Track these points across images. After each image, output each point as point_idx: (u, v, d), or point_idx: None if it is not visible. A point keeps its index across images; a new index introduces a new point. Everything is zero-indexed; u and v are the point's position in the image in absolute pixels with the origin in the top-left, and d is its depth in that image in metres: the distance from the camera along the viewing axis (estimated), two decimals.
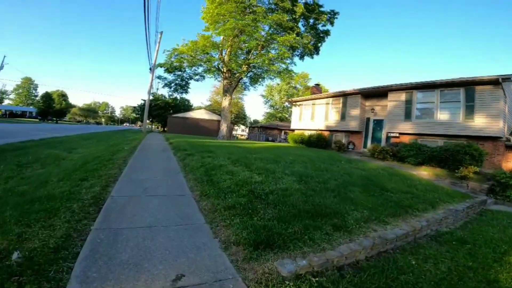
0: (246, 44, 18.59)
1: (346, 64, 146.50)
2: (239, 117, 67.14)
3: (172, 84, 20.97)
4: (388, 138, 16.05)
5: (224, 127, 19.26)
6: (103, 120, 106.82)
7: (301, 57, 22.71)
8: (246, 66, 19.14)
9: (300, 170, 6.50)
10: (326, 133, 19.36)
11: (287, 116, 72.31)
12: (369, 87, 16.95)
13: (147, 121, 53.69)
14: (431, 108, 13.97)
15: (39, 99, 55.41)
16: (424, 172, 10.47)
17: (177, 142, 12.83)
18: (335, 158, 10.59)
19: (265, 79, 22.27)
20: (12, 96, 78.93)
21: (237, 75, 20.20)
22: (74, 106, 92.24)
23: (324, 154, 12.36)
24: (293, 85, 70.31)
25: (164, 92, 51.50)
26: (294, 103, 23.42)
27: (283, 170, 6.23)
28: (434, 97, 13.90)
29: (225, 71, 19.63)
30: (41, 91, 64.43)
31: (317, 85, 25.46)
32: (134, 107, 48.02)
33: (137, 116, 45.41)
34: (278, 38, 17.65)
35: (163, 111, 39.32)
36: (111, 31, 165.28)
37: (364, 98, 17.60)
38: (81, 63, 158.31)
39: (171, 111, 39.74)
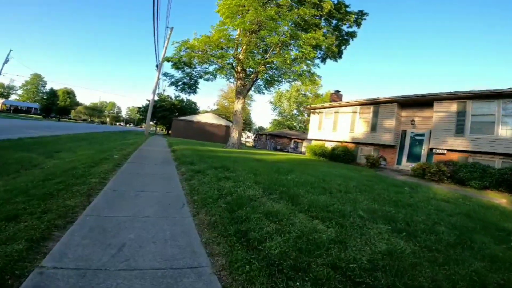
0: (266, 41, 16.45)
1: (362, 71, 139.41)
2: (245, 123, 65.05)
3: (179, 83, 18.84)
4: (429, 154, 13.61)
5: (235, 134, 16.98)
6: (108, 120, 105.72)
7: (323, 60, 20.52)
8: (262, 66, 16.98)
9: (376, 208, 4.13)
10: (350, 146, 16.95)
11: (295, 124, 70.19)
12: (408, 95, 14.59)
13: (151, 123, 52.07)
14: (490, 121, 11.55)
15: (43, 95, 53.98)
16: (503, 200, 8.03)
17: (182, 151, 10.57)
18: (386, 181, 8.18)
19: (282, 82, 20.06)
20: (20, 92, 78.46)
21: (252, 75, 18.03)
22: (80, 104, 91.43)
23: (365, 173, 9.96)
24: (303, 92, 68.41)
25: (171, 93, 49.78)
26: (312, 111, 21.11)
27: (354, 210, 3.85)
28: (494, 109, 11.50)
29: (239, 70, 17.47)
30: (49, 88, 63.49)
31: (337, 91, 23.16)
32: (139, 107, 46.24)
33: (142, 117, 43.48)
34: (303, 35, 15.48)
35: (168, 113, 37.36)
36: (122, 30, 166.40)
37: (401, 108, 15.21)
38: (91, 62, 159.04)
39: (177, 113, 37.77)
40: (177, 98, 41.09)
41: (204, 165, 6.91)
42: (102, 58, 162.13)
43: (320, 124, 19.90)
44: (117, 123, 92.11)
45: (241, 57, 16.68)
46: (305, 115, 72.03)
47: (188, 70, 17.86)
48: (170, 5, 38.96)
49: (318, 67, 18.69)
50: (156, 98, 40.65)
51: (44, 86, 76.58)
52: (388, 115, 15.13)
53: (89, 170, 5.43)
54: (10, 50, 41.39)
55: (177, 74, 18.24)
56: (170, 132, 40.21)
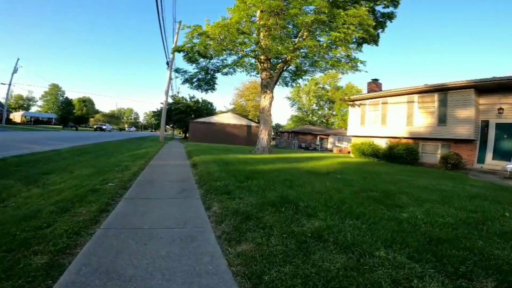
0: (295, 22, 13.45)
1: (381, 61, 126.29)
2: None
3: (194, 80, 16.28)
4: None
5: (264, 136, 14.16)
6: (126, 126, 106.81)
7: (359, 45, 17.22)
8: (291, 53, 14.07)
9: None
10: (406, 142, 13.67)
11: (315, 119, 66.36)
12: (490, 78, 11.13)
13: (167, 126, 50.40)
14: None
15: (59, 105, 53.74)
16: None
17: (206, 164, 7.91)
18: None
19: (314, 72, 16.94)
20: (40, 103, 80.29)
21: (278, 65, 15.09)
22: (98, 112, 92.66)
23: (471, 184, 6.78)
24: (321, 85, 64.47)
25: (185, 94, 47.95)
26: (351, 103, 17.90)
27: None
28: None
29: (263, 60, 14.62)
30: (65, 97, 63.81)
31: (376, 80, 19.68)
32: (153, 111, 44.61)
33: (157, 121, 41.85)
34: (341, 13, 12.38)
35: (184, 116, 35.22)
36: (134, 33, 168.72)
37: (478, 94, 11.76)
38: (108, 70, 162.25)
39: (193, 115, 35.57)
40: (192, 99, 38.90)
41: (249, 197, 4.17)
42: (118, 63, 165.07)
43: (363, 118, 16.67)
44: (126, 129, 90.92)
45: (264, 43, 13.78)
46: (325, 109, 68.22)
47: (203, 63, 15.29)
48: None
49: (360, 51, 15.39)
50: (170, 100, 38.73)
51: (62, 96, 77.54)
52: (462, 104, 11.72)
53: (55, 220, 2.84)
54: (18, 59, 40.90)
55: (191, 68, 15.83)
56: (187, 135, 38.23)
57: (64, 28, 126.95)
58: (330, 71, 18.07)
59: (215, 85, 16.84)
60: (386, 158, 13.11)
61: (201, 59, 14.49)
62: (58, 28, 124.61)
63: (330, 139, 44.91)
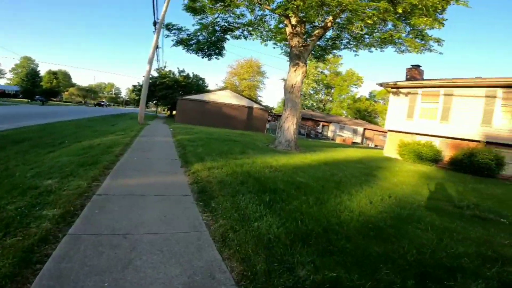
0: None
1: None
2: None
3: (192, 41, 11.55)
4: None
5: (290, 125, 9.96)
6: (104, 101, 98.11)
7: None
8: (331, 17, 9.78)
9: None
10: (475, 146, 10.14)
11: (313, 103, 62.34)
12: None
13: (150, 103, 44.21)
14: None
15: (23, 77, 46.45)
16: None
17: (214, 173, 3.82)
18: None
19: (358, 46, 12.45)
20: (10, 75, 72.12)
21: (317, 31, 10.60)
22: (73, 85, 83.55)
23: None
24: (321, 69, 59.96)
25: (174, 67, 42.07)
26: (394, 90, 13.95)
27: None
28: None
29: (295, 22, 10.17)
30: (43, 70, 56.44)
31: (418, 66, 15.67)
32: (134, 85, 38.63)
33: (138, 97, 36.25)
34: None
35: (171, 92, 30.02)
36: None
37: None
38: (89, 42, 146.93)
39: (181, 92, 30.45)
40: (182, 74, 33.47)
41: None
42: (99, 36, 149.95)
43: (412, 110, 12.88)
44: (95, 104, 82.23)
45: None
46: (321, 94, 64.00)
47: (209, 18, 10.56)
48: None
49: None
50: (155, 74, 33.16)
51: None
52: None
53: None
54: None
55: (190, 25, 10.98)
56: (174, 113, 33.22)
57: None
58: (359, 50, 13.34)
59: (224, 50, 12.17)
60: (455, 166, 9.57)
61: (212, 6, 9.51)
62: None
63: (331, 127, 41.56)
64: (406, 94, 13.16)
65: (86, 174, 4.15)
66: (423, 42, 10.21)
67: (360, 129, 39.58)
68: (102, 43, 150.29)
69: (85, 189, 3.54)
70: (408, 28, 10.26)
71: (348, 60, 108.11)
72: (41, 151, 7.34)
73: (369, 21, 8.20)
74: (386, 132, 43.02)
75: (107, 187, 3.72)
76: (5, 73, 73.42)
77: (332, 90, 62.60)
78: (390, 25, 10.50)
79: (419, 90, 12.78)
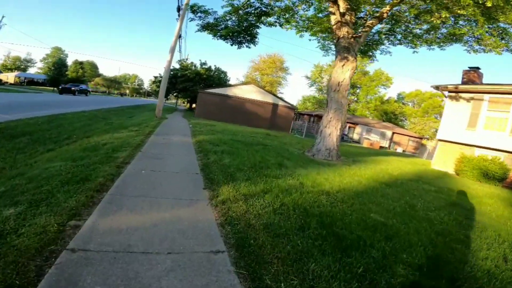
0: None
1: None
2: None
3: (220, 26, 10.03)
4: None
5: (334, 129, 8.19)
6: (127, 91, 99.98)
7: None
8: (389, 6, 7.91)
9: None
10: None
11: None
12: None
13: (171, 95, 43.67)
14: None
15: (50, 66, 47.94)
16: None
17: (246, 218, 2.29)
18: None
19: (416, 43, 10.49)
20: (41, 65, 75.52)
21: (370, 21, 8.71)
22: (99, 76, 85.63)
23: None
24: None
25: (196, 59, 41.06)
26: (453, 94, 11.71)
27: None
28: None
29: (342, 9, 8.33)
30: (72, 60, 58.22)
31: (477, 68, 13.12)
32: (155, 77, 38.03)
33: (159, 89, 35.63)
34: None
35: (191, 84, 28.90)
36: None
37: None
38: (114, 34, 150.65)
39: (202, 85, 29.24)
40: (203, 66, 32.24)
41: None
42: (123, 29, 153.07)
43: (475, 118, 10.67)
44: (121, 95, 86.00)
45: None
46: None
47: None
48: None
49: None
50: (177, 66, 32.19)
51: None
52: None
53: None
54: (3, 17, 36.60)
55: (218, 7, 9.53)
56: (194, 106, 32.10)
57: None
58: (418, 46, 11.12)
59: (256, 37, 10.55)
60: None
61: None
62: None
63: (358, 129, 38.83)
64: (469, 100, 10.91)
65: (66, 201, 2.73)
66: (504, 41, 8.30)
67: (389, 133, 36.78)
68: (129, 35, 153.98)
69: (51, 238, 2.11)
70: (488, 26, 8.31)
71: (379, 58, 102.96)
72: (38, 149, 6.14)
73: (461, 12, 6.36)
74: (415, 137, 39.62)
75: (88, 234, 2.25)
76: (36, 62, 76.61)
77: (358, 90, 59.18)
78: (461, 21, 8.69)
79: (486, 96, 10.52)
